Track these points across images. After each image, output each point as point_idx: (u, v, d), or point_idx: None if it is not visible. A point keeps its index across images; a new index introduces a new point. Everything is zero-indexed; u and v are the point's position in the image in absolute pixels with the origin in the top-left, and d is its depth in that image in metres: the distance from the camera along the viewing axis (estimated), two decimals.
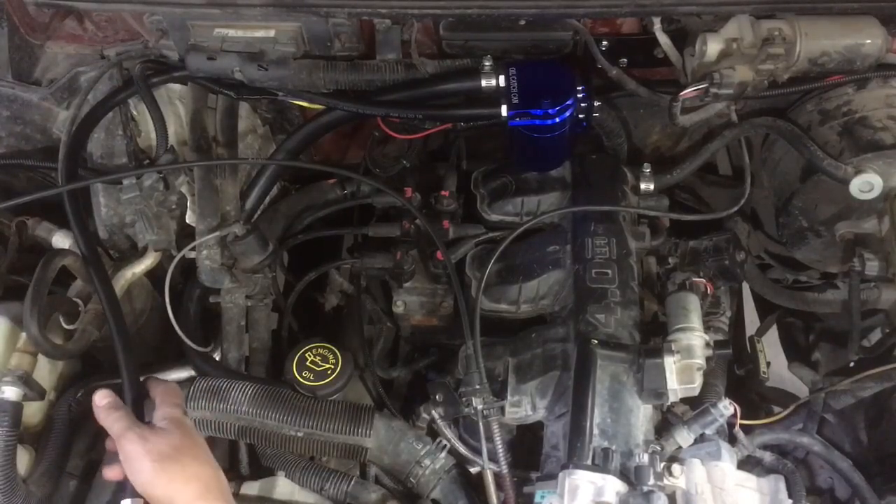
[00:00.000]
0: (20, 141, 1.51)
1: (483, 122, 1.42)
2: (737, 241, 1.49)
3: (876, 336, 1.57)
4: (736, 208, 1.49)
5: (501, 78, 1.38)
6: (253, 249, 1.43)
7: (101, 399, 1.09)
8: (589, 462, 1.14)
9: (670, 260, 1.48)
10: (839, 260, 1.52)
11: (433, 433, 1.34)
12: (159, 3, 1.38)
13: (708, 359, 1.23)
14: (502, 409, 1.27)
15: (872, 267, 1.38)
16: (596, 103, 1.46)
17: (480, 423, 1.23)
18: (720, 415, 1.18)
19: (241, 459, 1.40)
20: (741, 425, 1.29)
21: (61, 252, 1.34)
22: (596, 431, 1.18)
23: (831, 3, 1.34)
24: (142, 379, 1.19)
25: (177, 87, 1.55)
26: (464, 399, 1.26)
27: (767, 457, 1.36)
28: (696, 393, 1.22)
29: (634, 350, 1.26)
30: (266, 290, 1.54)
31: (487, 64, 1.38)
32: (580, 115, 1.42)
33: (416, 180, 1.59)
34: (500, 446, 1.23)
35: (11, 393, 1.22)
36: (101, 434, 1.37)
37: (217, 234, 1.40)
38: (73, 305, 1.35)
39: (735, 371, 1.52)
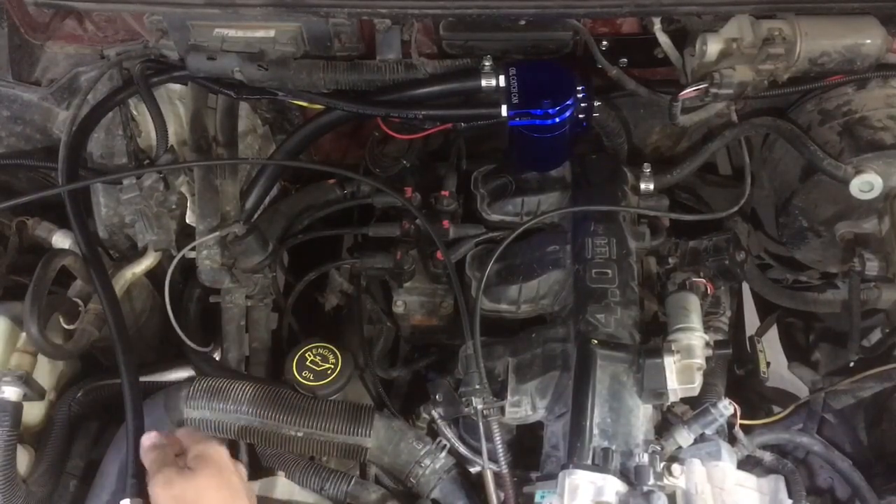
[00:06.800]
0: (20, 141, 1.51)
1: (483, 122, 1.42)
2: (737, 241, 1.48)
3: (876, 336, 1.57)
4: (736, 208, 1.49)
5: (501, 78, 1.38)
6: (253, 249, 1.43)
7: (147, 440, 1.13)
8: (589, 462, 1.14)
9: (670, 260, 1.48)
10: (839, 260, 1.53)
11: (433, 433, 1.34)
12: (159, 3, 1.38)
13: (708, 359, 1.23)
14: (502, 409, 1.27)
15: (872, 267, 1.38)
16: (596, 103, 1.46)
17: (480, 423, 1.23)
18: (720, 415, 1.18)
19: (241, 459, 1.39)
20: (741, 425, 1.29)
21: (61, 252, 1.34)
22: (596, 431, 1.18)
23: (831, 3, 1.35)
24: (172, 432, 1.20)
25: (177, 87, 1.55)
26: (464, 399, 1.26)
27: (767, 457, 1.36)
28: (696, 393, 1.22)
29: (634, 350, 1.26)
30: (266, 290, 1.54)
31: (487, 64, 1.38)
32: (580, 115, 1.42)
33: (416, 180, 1.59)
34: (500, 446, 1.23)
35: (11, 393, 1.22)
36: (101, 434, 1.39)
37: (217, 234, 1.40)
38: (73, 305, 1.35)
39: (735, 371, 1.52)
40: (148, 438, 1.13)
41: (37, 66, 1.51)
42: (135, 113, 1.51)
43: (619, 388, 1.23)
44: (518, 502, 1.22)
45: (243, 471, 1.15)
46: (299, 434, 1.27)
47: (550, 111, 1.36)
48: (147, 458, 1.10)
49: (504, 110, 1.37)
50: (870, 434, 1.50)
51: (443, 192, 1.55)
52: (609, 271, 1.37)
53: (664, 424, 1.26)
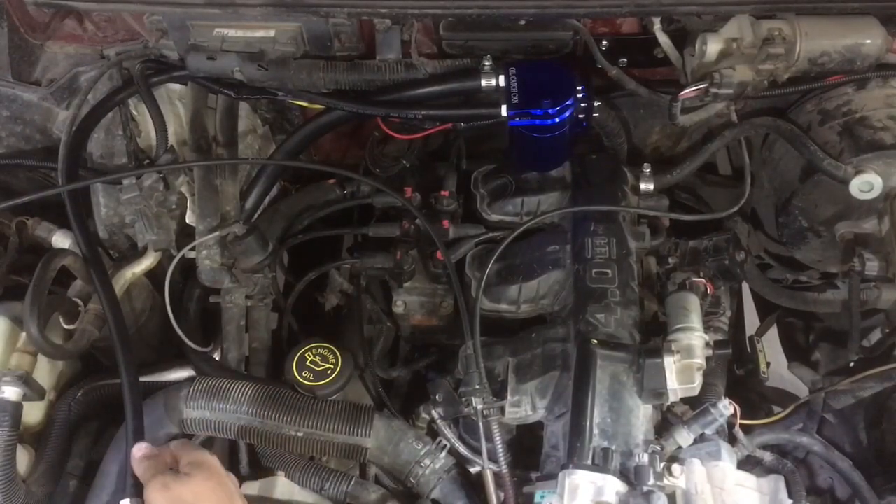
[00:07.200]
0: (20, 141, 1.51)
1: (483, 122, 1.42)
2: (737, 241, 1.48)
3: (876, 336, 1.57)
4: (736, 208, 1.49)
5: (501, 78, 1.38)
6: (253, 249, 1.43)
7: (137, 451, 1.13)
8: (589, 462, 1.14)
9: (670, 260, 1.48)
10: (839, 260, 1.52)
11: (433, 433, 1.34)
12: (159, 3, 1.38)
13: (708, 359, 1.23)
14: (502, 409, 1.27)
15: (872, 267, 1.38)
16: (596, 103, 1.46)
17: (480, 423, 1.23)
18: (720, 415, 1.18)
19: (240, 459, 1.40)
20: (741, 425, 1.29)
21: (61, 252, 1.34)
22: (596, 431, 1.18)
23: (831, 3, 1.35)
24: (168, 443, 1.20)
25: (177, 87, 1.56)
26: (464, 399, 1.26)
27: (767, 457, 1.36)
28: (695, 393, 1.22)
29: (634, 350, 1.26)
30: (266, 290, 1.54)
31: (487, 64, 1.38)
32: (580, 115, 1.42)
33: (416, 180, 1.59)
34: (500, 446, 1.23)
35: (11, 393, 1.22)
36: (101, 434, 1.39)
37: (217, 234, 1.40)
38: (73, 305, 1.35)
39: (735, 371, 1.52)
40: (139, 449, 1.12)
41: (37, 66, 1.51)
42: (135, 113, 1.51)
43: (619, 388, 1.23)
44: (518, 502, 1.22)
45: (235, 480, 1.15)
46: (299, 434, 1.27)
47: (550, 111, 1.36)
48: (140, 468, 1.10)
49: (504, 110, 1.37)
50: (870, 434, 1.50)
51: (443, 192, 1.55)
52: (609, 271, 1.37)
53: (664, 424, 1.26)
